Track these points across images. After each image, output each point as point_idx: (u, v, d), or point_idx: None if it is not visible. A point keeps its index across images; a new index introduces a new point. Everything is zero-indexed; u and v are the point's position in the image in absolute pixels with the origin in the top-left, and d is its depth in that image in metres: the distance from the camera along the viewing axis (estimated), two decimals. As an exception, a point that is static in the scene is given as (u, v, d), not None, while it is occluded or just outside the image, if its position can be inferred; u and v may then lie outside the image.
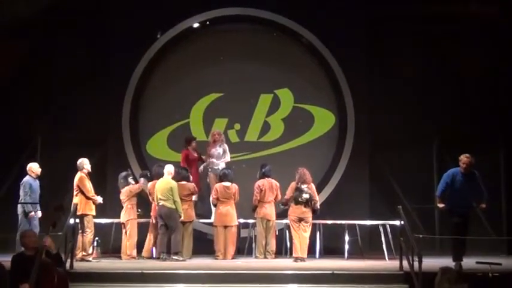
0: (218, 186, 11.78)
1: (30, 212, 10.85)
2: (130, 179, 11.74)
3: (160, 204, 11.19)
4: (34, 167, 11.25)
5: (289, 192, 11.29)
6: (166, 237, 11.16)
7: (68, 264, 9.24)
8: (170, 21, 13.85)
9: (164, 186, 11.25)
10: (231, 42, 14.14)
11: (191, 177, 11.94)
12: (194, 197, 12.03)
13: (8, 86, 13.51)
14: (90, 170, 11.16)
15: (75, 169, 11.25)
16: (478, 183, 10.23)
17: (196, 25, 14.02)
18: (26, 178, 11.13)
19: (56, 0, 12.67)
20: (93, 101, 13.72)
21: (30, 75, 13.81)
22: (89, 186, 11.00)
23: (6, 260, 7.34)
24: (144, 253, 11.77)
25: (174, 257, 11.03)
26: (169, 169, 11.52)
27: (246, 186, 12.37)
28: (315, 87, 14.09)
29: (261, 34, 14.11)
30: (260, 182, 11.77)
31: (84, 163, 11.12)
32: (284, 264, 10.82)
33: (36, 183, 11.13)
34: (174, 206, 11.15)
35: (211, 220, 12.36)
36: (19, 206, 10.91)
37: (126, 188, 11.59)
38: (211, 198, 12.07)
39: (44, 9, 12.78)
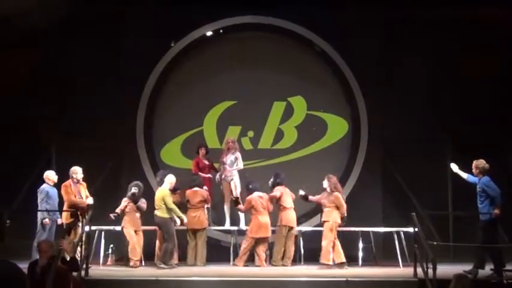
0: (253, 198, 11.70)
1: (45, 219, 10.90)
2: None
3: (154, 213, 11.24)
4: (51, 175, 11.31)
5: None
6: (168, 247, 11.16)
7: (83, 272, 9.29)
8: (184, 29, 13.92)
9: (157, 196, 11.28)
10: (244, 50, 14.18)
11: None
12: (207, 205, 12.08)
13: (22, 94, 13.60)
14: (80, 179, 11.06)
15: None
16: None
17: (209, 33, 14.08)
18: (43, 186, 11.19)
19: (69, 10, 12.74)
20: (108, 109, 13.77)
21: (45, 83, 13.89)
22: (71, 191, 10.89)
23: (23, 267, 7.39)
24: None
25: (160, 265, 10.98)
26: (168, 179, 11.49)
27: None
28: (328, 94, 14.10)
29: (274, 42, 14.14)
30: (278, 192, 11.74)
31: (75, 172, 11.05)
32: (298, 271, 10.82)
33: (54, 191, 11.15)
34: (166, 215, 11.13)
35: (226, 227, 12.43)
36: (39, 213, 10.98)
37: None
38: (225, 207, 12.17)
39: (57, 19, 12.86)
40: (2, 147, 13.19)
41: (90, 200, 11.10)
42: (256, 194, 11.82)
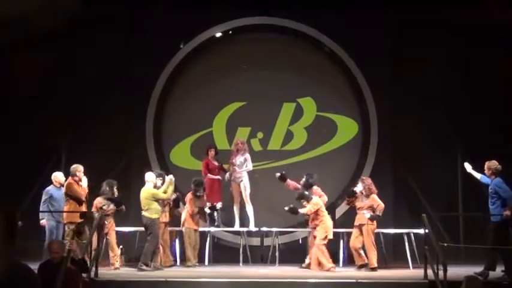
0: (321, 200, 11.45)
1: (42, 219, 10.94)
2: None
3: (142, 214, 11.14)
4: (58, 176, 11.32)
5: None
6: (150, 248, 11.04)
7: (92, 272, 9.33)
8: (193, 30, 13.96)
9: (144, 196, 11.12)
10: (254, 51, 14.21)
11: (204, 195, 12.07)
12: (207, 208, 12.11)
13: (31, 97, 13.65)
14: (81, 177, 10.98)
15: (100, 178, 11.34)
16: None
17: (218, 34, 14.12)
18: (49, 187, 11.21)
19: (78, 11, 12.78)
20: (117, 110, 13.82)
21: (55, 85, 13.94)
22: (79, 189, 10.81)
23: (34, 268, 7.41)
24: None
25: (141, 266, 10.85)
26: (148, 177, 11.35)
27: (267, 195, 12.40)
28: (338, 95, 14.11)
29: (283, 43, 14.16)
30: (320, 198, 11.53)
31: (78, 169, 10.91)
32: (308, 273, 10.81)
33: (59, 193, 11.12)
34: (154, 216, 10.98)
35: (235, 228, 12.47)
36: (40, 214, 11.01)
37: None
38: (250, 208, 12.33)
39: (67, 20, 12.91)
40: (13, 149, 13.24)
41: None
42: (317, 191, 11.56)
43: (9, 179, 12.72)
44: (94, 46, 13.87)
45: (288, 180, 11.88)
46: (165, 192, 11.10)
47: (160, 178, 11.50)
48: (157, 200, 11.05)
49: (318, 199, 11.31)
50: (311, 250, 11.25)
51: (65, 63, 13.96)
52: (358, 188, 11.35)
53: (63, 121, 13.83)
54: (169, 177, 11.30)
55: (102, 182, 11.57)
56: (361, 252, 11.13)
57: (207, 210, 12.12)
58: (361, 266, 11.08)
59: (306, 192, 11.40)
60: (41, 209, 11.03)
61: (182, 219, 11.85)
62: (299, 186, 11.70)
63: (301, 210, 11.34)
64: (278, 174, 11.96)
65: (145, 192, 11.14)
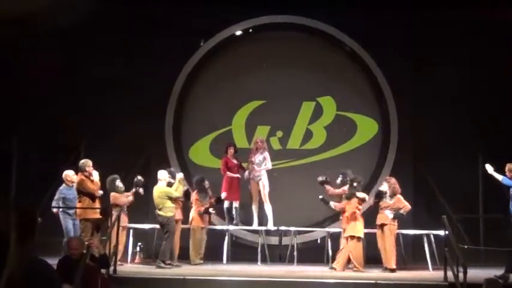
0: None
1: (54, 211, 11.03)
2: (118, 182, 11.59)
3: (156, 213, 11.17)
4: (70, 174, 11.28)
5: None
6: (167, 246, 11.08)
7: (111, 269, 9.36)
8: (213, 28, 13.96)
9: (157, 194, 11.15)
10: (273, 50, 14.18)
11: (209, 192, 12.05)
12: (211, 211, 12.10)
13: (51, 94, 13.71)
14: (91, 172, 10.99)
15: (120, 176, 11.40)
16: None
17: (238, 33, 14.11)
18: (61, 187, 11.21)
19: (99, 8, 12.81)
20: (137, 108, 13.83)
21: (74, 82, 14.00)
22: (91, 185, 10.79)
23: (53, 263, 7.45)
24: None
25: (159, 264, 10.84)
26: (161, 175, 11.35)
27: (285, 194, 12.36)
28: (358, 95, 14.05)
29: (303, 41, 14.13)
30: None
31: (87, 164, 10.90)
32: (327, 273, 10.78)
33: (71, 192, 11.09)
34: (169, 214, 11.01)
35: (254, 227, 12.47)
36: (60, 212, 11.06)
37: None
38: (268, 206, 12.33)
39: (87, 17, 12.95)
40: (33, 147, 13.32)
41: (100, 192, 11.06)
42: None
43: (28, 177, 12.80)
44: (114, 44, 13.91)
45: (328, 187, 11.77)
46: (176, 190, 11.14)
47: (170, 176, 11.54)
48: (170, 198, 11.07)
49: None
50: (345, 251, 11.13)
51: (84, 61, 14.00)
52: (384, 187, 11.28)
53: (82, 119, 13.89)
54: (179, 176, 11.32)
55: (121, 179, 11.65)
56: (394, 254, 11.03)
57: (212, 211, 12.07)
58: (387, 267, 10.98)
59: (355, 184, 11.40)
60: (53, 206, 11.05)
61: (190, 217, 11.85)
62: (340, 190, 11.58)
63: (332, 204, 11.39)
64: (321, 197, 11.78)
65: (159, 190, 11.17)
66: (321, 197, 11.54)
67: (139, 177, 11.60)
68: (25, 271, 3.15)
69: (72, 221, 10.95)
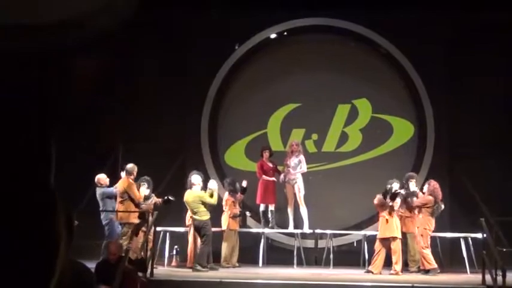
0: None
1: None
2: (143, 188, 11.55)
3: (192, 217, 11.22)
4: (103, 178, 11.45)
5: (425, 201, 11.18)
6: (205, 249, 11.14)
7: (148, 272, 9.47)
8: (248, 32, 14.03)
9: (192, 199, 11.19)
10: (309, 52, 14.19)
11: (238, 194, 12.07)
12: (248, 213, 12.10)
13: (89, 97, 13.89)
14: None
15: (154, 179, 11.50)
16: None
17: (273, 36, 14.16)
18: (103, 189, 11.35)
19: (135, 12, 12.95)
20: (173, 111, 13.97)
21: (111, 85, 14.15)
22: (138, 193, 10.95)
23: (91, 266, 7.57)
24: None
25: (196, 267, 10.86)
26: (195, 180, 11.37)
27: (321, 197, 12.37)
28: (394, 97, 13.99)
29: (338, 44, 14.12)
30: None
31: (135, 170, 11.07)
32: (363, 276, 10.75)
33: (111, 191, 11.28)
34: (205, 218, 11.06)
35: (290, 230, 12.50)
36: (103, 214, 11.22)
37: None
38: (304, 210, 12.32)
39: (124, 21, 13.07)
40: (70, 150, 13.50)
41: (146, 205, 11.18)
42: None
43: (66, 180, 12.97)
44: (150, 48, 14.05)
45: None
46: (211, 196, 11.19)
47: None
48: (204, 203, 11.15)
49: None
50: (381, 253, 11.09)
51: (121, 65, 14.15)
52: (425, 190, 11.21)
53: (119, 122, 14.05)
54: (214, 187, 11.36)
55: (157, 182, 11.77)
56: (426, 255, 10.98)
57: (248, 213, 12.10)
58: (426, 271, 10.92)
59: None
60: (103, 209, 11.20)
61: (222, 221, 11.90)
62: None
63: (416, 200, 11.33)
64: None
65: (193, 195, 11.20)
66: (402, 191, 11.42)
67: (171, 198, 11.55)
68: (68, 275, 3.22)
69: (111, 222, 11.11)
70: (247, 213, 12.06)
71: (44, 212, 1.48)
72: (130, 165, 11.16)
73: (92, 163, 13.52)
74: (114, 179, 11.80)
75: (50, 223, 1.48)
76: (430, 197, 11.11)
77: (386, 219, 10.96)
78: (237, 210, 11.89)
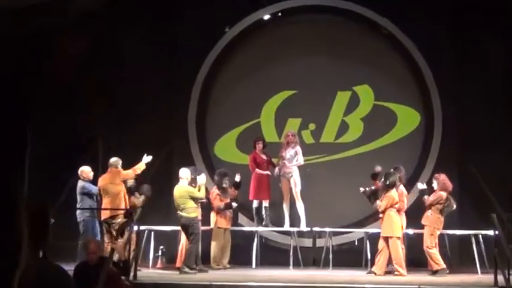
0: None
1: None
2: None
3: (178, 214, 11.15)
4: (86, 171, 11.43)
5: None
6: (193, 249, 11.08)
7: (131, 274, 9.41)
8: (239, 13, 13.94)
9: (179, 194, 11.13)
10: (305, 35, 14.14)
11: (232, 189, 12.12)
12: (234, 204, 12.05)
13: (68, 85, 13.76)
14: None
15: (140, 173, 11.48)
16: None
17: (267, 17, 14.08)
18: (84, 182, 11.31)
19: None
20: (158, 101, 13.90)
21: (93, 72, 14.04)
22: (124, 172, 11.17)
23: (68, 269, 7.47)
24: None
25: (183, 269, 10.83)
26: (183, 174, 11.31)
27: (319, 191, 12.30)
28: (398, 83, 13.95)
29: (337, 25, 14.06)
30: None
31: (119, 163, 11.24)
32: (365, 278, 10.73)
33: (94, 187, 11.29)
34: (192, 215, 11.01)
35: (285, 228, 12.46)
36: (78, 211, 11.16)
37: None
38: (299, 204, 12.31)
39: (108, 4, 12.97)
40: (50, 142, 13.41)
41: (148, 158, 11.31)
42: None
43: (43, 173, 12.89)
44: (136, 30, 13.93)
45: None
46: (199, 190, 11.16)
47: (195, 174, 11.55)
48: (192, 198, 11.07)
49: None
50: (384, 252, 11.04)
51: (104, 49, 14.04)
52: (434, 186, 11.20)
53: (100, 112, 13.96)
54: (201, 181, 11.31)
55: (142, 176, 11.71)
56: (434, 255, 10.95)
57: (234, 204, 12.04)
58: (434, 271, 10.86)
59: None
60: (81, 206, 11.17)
61: (211, 218, 11.84)
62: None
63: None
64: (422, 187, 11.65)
65: (181, 190, 11.17)
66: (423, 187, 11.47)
67: (147, 186, 11.63)
68: (35, 278, 3.13)
69: (93, 219, 11.09)
70: (234, 204, 11.92)
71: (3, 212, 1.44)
72: (114, 159, 11.21)
73: (71, 156, 13.44)
74: (95, 171, 11.79)
75: (10, 222, 1.43)
76: (442, 193, 11.07)
77: (391, 216, 10.92)
78: (221, 203, 11.80)
